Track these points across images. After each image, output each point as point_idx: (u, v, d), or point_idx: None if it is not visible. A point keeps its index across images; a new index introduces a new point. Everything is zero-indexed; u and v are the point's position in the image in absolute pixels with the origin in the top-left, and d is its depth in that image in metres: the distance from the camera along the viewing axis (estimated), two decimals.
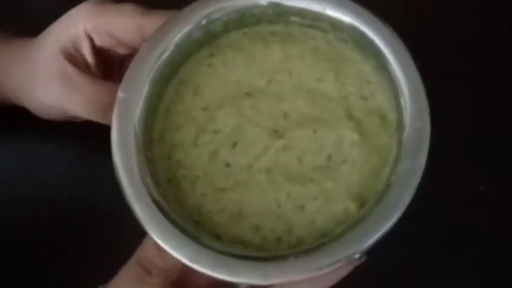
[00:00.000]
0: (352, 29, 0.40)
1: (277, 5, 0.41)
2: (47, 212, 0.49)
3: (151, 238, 0.35)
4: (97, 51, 0.46)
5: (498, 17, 0.56)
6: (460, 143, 0.49)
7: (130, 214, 0.35)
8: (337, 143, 0.38)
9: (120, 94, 0.38)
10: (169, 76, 0.41)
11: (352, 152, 0.38)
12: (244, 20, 0.42)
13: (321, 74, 0.40)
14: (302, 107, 0.39)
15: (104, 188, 0.41)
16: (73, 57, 0.45)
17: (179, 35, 0.40)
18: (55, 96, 0.45)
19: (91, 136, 0.45)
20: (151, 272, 0.36)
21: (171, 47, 0.40)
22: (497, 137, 0.50)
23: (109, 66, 0.47)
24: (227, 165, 0.38)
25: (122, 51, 0.46)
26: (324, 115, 0.39)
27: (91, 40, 0.45)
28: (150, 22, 0.42)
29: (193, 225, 0.36)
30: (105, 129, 0.38)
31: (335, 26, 0.41)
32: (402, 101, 0.37)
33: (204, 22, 0.41)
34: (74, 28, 0.45)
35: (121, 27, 0.44)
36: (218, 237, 0.36)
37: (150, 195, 0.35)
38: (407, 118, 0.37)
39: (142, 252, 0.37)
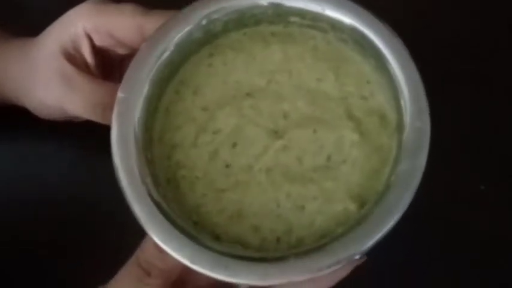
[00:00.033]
0: (352, 29, 0.40)
1: (278, 5, 0.41)
2: (47, 212, 0.49)
3: (151, 239, 0.35)
4: (97, 51, 0.46)
5: (498, 17, 0.56)
6: (460, 143, 0.49)
7: (130, 214, 0.35)
8: (337, 143, 0.38)
9: (120, 94, 0.38)
10: (169, 76, 0.41)
11: (352, 152, 0.38)
12: (244, 20, 0.42)
13: (321, 74, 0.40)
14: (302, 107, 0.39)
15: (104, 188, 0.41)
16: (73, 57, 0.45)
17: (179, 35, 0.40)
18: (55, 96, 0.45)
19: (91, 136, 0.45)
20: (150, 273, 0.36)
21: (171, 47, 0.40)
22: (497, 137, 0.50)
23: (109, 66, 0.47)
24: (227, 165, 0.38)
25: (121, 51, 0.46)
26: (323, 115, 0.39)
27: (91, 40, 0.45)
28: (150, 22, 0.42)
29: (193, 226, 0.36)
30: (105, 129, 0.38)
31: (335, 26, 0.41)
32: (402, 101, 0.37)
33: (204, 22, 0.41)
34: (74, 28, 0.45)
35: (121, 27, 0.44)
36: (217, 237, 0.36)
37: (150, 195, 0.35)
38: (407, 118, 0.37)
39: (142, 253, 0.37)
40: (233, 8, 0.41)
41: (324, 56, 0.41)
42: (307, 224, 0.36)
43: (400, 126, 0.37)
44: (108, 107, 0.40)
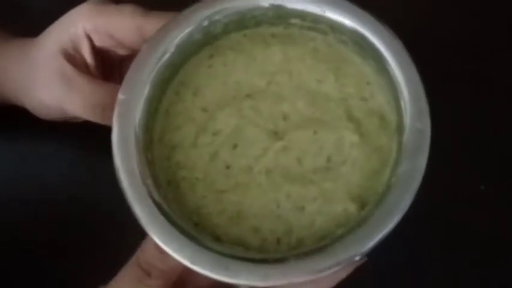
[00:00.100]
0: (352, 31, 0.40)
1: (279, 7, 0.41)
2: (47, 212, 0.49)
3: (151, 239, 0.35)
4: (96, 51, 0.46)
5: (498, 17, 0.56)
6: (460, 143, 0.49)
7: (130, 214, 0.35)
8: (337, 144, 0.38)
9: (120, 96, 0.38)
10: (169, 77, 0.41)
11: (352, 153, 0.38)
12: (244, 21, 0.42)
13: (321, 75, 0.40)
14: (302, 108, 0.39)
15: (104, 188, 0.41)
16: (72, 58, 0.45)
17: (180, 37, 0.40)
18: (54, 96, 0.45)
19: (91, 136, 0.45)
20: (151, 274, 0.36)
21: (172, 48, 0.40)
22: (497, 137, 0.50)
23: (108, 66, 0.47)
24: (227, 166, 0.38)
25: (121, 51, 0.46)
26: (323, 116, 0.39)
27: (91, 40, 0.45)
28: (150, 23, 0.42)
29: (193, 227, 0.36)
30: (105, 130, 0.38)
31: (335, 28, 0.41)
32: (402, 103, 0.37)
33: (204, 24, 0.41)
34: (74, 28, 0.45)
35: (121, 28, 0.44)
36: (218, 238, 0.36)
37: (151, 196, 0.35)
38: (408, 119, 0.37)
39: (142, 253, 0.37)
40: (234, 10, 0.41)
41: (324, 57, 0.41)
42: (307, 225, 0.36)
43: (400, 128, 0.37)
44: (107, 108, 0.40)
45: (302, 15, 0.41)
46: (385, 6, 0.40)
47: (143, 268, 0.36)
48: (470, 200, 0.48)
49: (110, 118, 0.38)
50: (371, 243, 0.33)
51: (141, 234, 0.36)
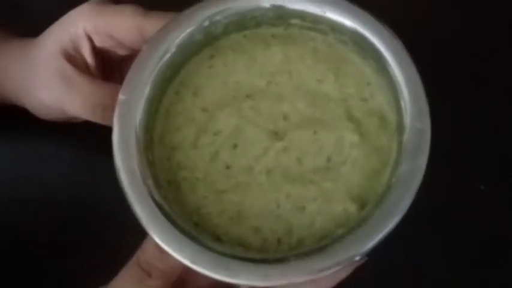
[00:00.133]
0: (352, 31, 0.40)
1: (280, 7, 0.41)
2: (47, 212, 0.49)
3: (151, 240, 0.35)
4: (97, 51, 0.46)
5: (498, 17, 0.56)
6: (460, 143, 0.49)
7: (131, 214, 0.35)
8: (337, 144, 0.38)
9: (121, 96, 0.38)
10: (170, 77, 0.41)
11: (352, 153, 0.38)
12: (244, 22, 0.42)
13: (321, 75, 0.40)
14: (302, 108, 0.39)
15: (104, 188, 0.41)
16: (73, 58, 0.45)
17: (180, 37, 0.40)
18: (54, 96, 0.45)
19: (91, 136, 0.45)
20: (151, 274, 0.36)
21: (173, 48, 0.40)
22: (497, 137, 0.50)
23: (109, 66, 0.47)
24: (227, 166, 0.38)
25: (121, 52, 0.46)
26: (324, 116, 0.39)
27: (91, 41, 0.45)
28: (150, 23, 0.42)
29: (194, 227, 0.36)
30: (105, 130, 0.38)
31: (335, 28, 0.41)
32: (402, 103, 0.37)
33: (205, 24, 0.41)
34: (74, 28, 0.45)
35: (121, 28, 0.44)
36: (218, 238, 0.36)
37: (152, 196, 0.35)
38: (408, 119, 0.37)
39: (142, 254, 0.37)
40: (234, 10, 0.41)
41: (324, 57, 0.41)
42: (308, 225, 0.36)
43: (400, 128, 0.37)
44: (107, 108, 0.40)
45: (302, 15, 0.41)
46: (385, 6, 0.40)
47: (143, 268, 0.36)
48: (470, 200, 0.48)
49: (110, 118, 0.38)
50: (371, 244, 0.33)
51: (141, 234, 0.36)
